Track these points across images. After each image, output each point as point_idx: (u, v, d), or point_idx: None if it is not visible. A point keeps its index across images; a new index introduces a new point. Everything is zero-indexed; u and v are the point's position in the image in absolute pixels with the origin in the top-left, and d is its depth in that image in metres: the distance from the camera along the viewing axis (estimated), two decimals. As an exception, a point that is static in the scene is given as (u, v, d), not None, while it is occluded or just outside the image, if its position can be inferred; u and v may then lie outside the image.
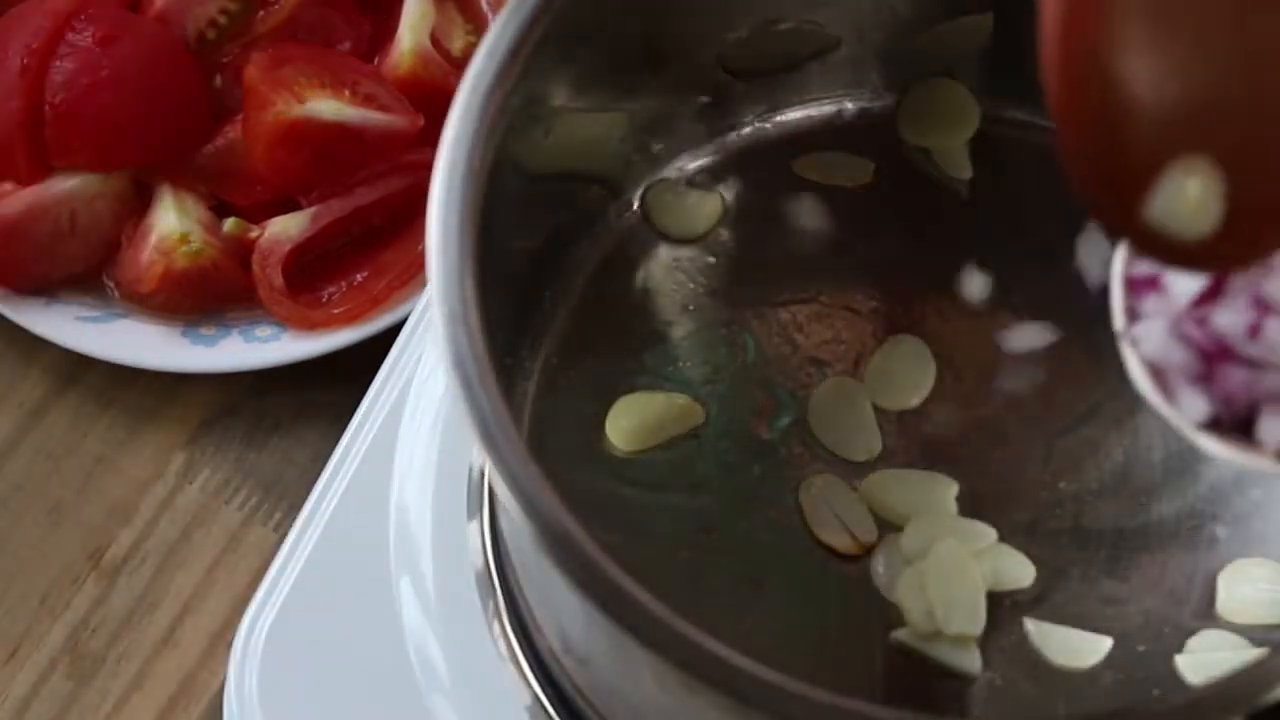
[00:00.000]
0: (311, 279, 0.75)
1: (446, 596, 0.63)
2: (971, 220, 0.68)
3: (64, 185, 0.74)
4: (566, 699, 0.60)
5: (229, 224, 0.75)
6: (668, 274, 0.68)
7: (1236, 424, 0.48)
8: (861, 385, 0.65)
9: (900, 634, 0.61)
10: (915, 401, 0.65)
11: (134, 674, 0.71)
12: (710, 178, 0.69)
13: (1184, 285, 0.48)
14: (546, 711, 0.60)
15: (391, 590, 0.64)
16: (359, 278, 0.75)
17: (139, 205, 0.76)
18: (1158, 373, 0.48)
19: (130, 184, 0.76)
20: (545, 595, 0.58)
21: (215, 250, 0.74)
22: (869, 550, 0.62)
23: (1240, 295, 0.46)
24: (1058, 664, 0.60)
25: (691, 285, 0.68)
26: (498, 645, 0.62)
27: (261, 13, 0.78)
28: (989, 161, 0.69)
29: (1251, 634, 0.60)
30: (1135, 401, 0.50)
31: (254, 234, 0.75)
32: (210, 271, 0.74)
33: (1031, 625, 0.61)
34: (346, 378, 0.72)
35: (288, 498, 0.74)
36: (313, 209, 0.75)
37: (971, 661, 0.60)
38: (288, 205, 0.75)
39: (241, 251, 0.75)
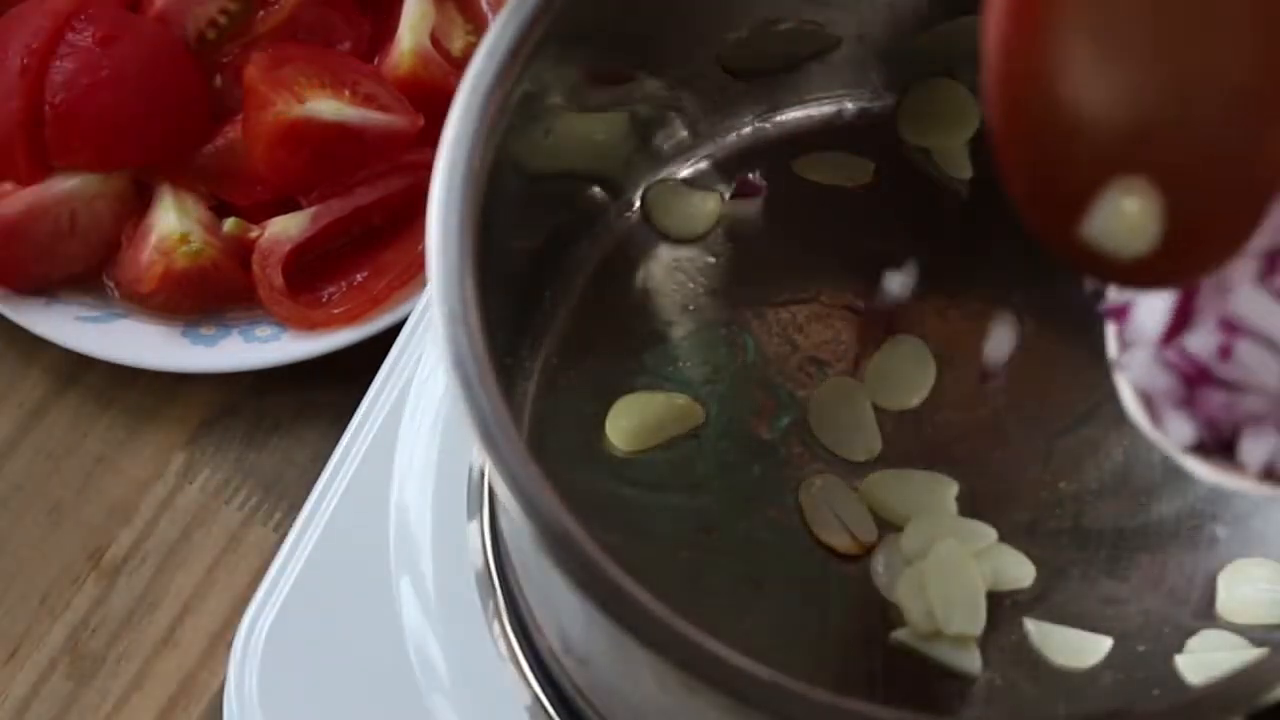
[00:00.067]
0: (311, 279, 0.75)
1: (446, 596, 0.63)
2: (971, 220, 0.68)
3: (64, 185, 0.74)
4: (566, 699, 0.60)
5: (229, 224, 0.75)
6: (668, 274, 0.68)
7: (1222, 446, 0.48)
8: (861, 385, 0.65)
9: (900, 634, 0.61)
10: (915, 401, 0.65)
11: (134, 674, 0.71)
12: (710, 178, 0.69)
13: (1147, 314, 0.48)
14: (546, 711, 0.60)
15: (391, 590, 0.64)
16: (359, 278, 0.75)
17: (139, 205, 0.76)
18: (1146, 398, 0.49)
19: (130, 184, 0.76)
20: (545, 595, 0.58)
21: (215, 250, 0.74)
22: (869, 550, 0.62)
23: (1208, 318, 0.47)
24: (1058, 664, 0.60)
25: (691, 285, 0.68)
26: (498, 645, 0.62)
27: (261, 13, 0.78)
28: (989, 161, 0.68)
29: (1251, 634, 0.60)
30: (1135, 401, 0.50)
31: (254, 234, 0.75)
32: (210, 271, 0.74)
33: (1031, 625, 0.61)
34: (346, 378, 0.72)
35: (288, 498, 0.74)
36: (313, 209, 0.75)
37: (971, 661, 0.60)
38: (288, 205, 0.75)
39: (241, 251, 0.75)
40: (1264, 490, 0.47)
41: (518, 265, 0.64)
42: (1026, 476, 0.63)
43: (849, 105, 0.71)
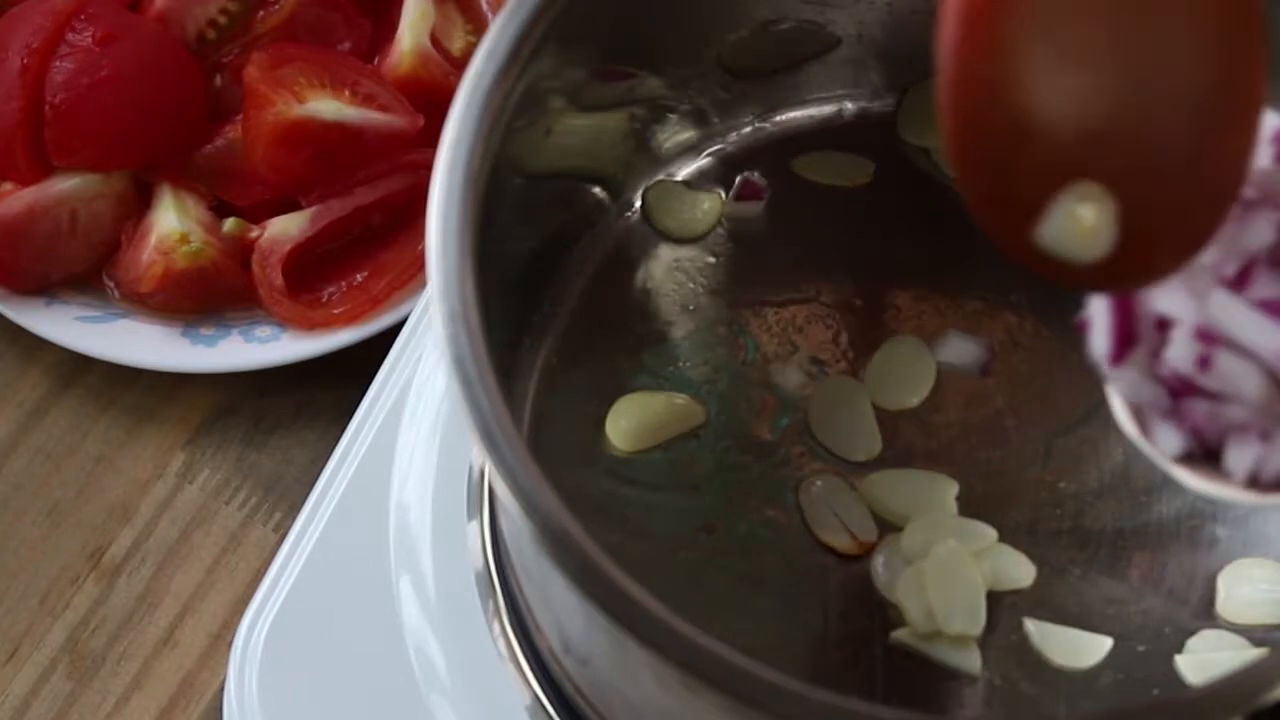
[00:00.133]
0: (311, 279, 0.75)
1: (446, 596, 0.63)
2: (971, 220, 0.68)
3: (64, 185, 0.74)
4: (566, 699, 0.60)
5: (229, 224, 0.75)
6: (668, 274, 0.68)
7: (1209, 455, 0.48)
8: (861, 385, 0.65)
9: (900, 634, 0.61)
10: (915, 401, 0.65)
11: (134, 674, 0.71)
12: (710, 178, 0.69)
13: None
14: (546, 711, 0.60)
15: (391, 590, 0.64)
16: (359, 278, 0.75)
17: (139, 205, 0.76)
18: (1135, 409, 0.49)
19: (130, 184, 0.76)
20: (545, 595, 0.58)
21: (215, 250, 0.74)
22: (869, 550, 0.62)
23: (1182, 329, 0.47)
24: (1058, 664, 0.60)
25: (691, 285, 0.68)
26: (498, 645, 0.62)
27: (261, 13, 0.78)
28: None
29: (1251, 634, 0.60)
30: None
31: (254, 234, 0.75)
32: (210, 271, 0.74)
33: (1031, 625, 0.61)
34: (346, 378, 0.72)
35: (288, 498, 0.74)
36: (313, 209, 0.75)
37: (971, 661, 0.60)
38: (288, 205, 0.75)
39: (241, 251, 0.75)
40: (1250, 498, 0.47)
41: (518, 265, 0.64)
42: (1026, 476, 0.63)
43: (849, 105, 0.71)
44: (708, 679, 0.47)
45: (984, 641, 0.60)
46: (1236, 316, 0.46)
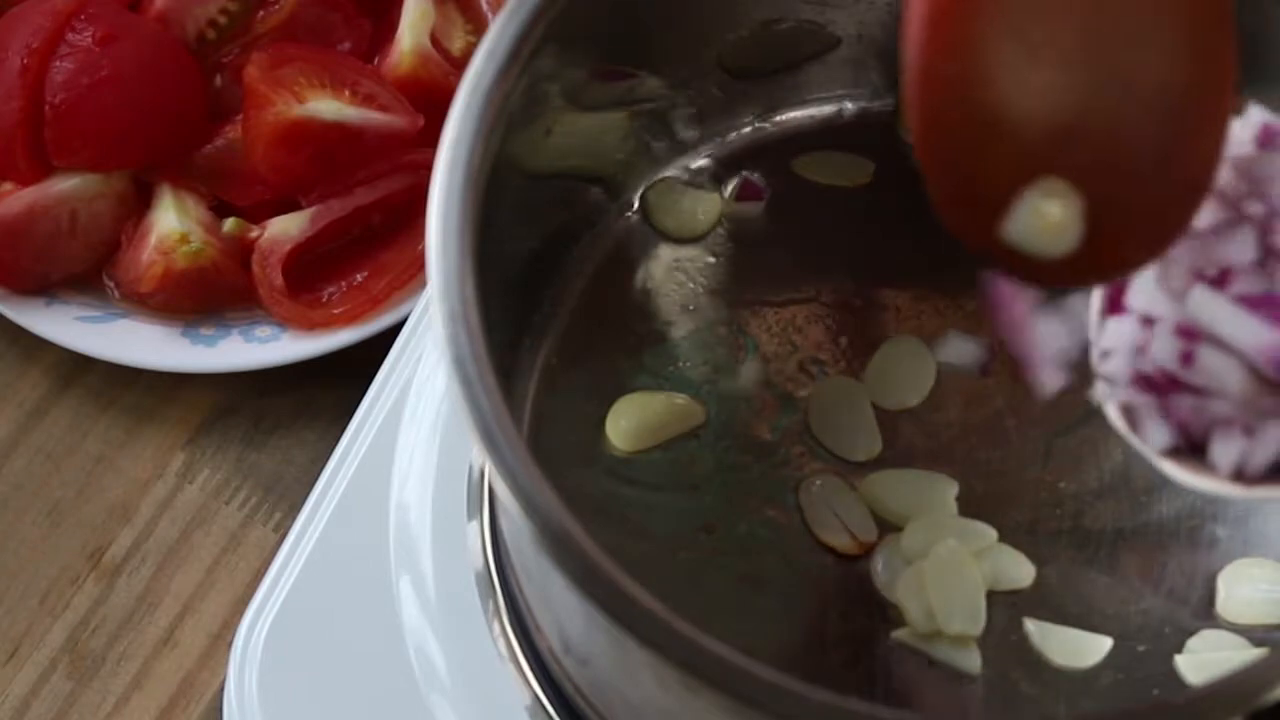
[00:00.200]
0: (311, 279, 0.75)
1: (446, 596, 0.63)
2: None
3: (64, 185, 0.74)
4: (566, 699, 0.60)
5: (229, 224, 0.75)
6: (668, 274, 0.68)
7: (1195, 450, 0.48)
8: (861, 385, 0.65)
9: (900, 634, 0.61)
10: (915, 401, 0.65)
11: (134, 674, 0.71)
12: (710, 178, 0.69)
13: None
14: (546, 711, 0.60)
15: (391, 590, 0.64)
16: (359, 278, 0.75)
17: (139, 205, 0.76)
18: (1124, 404, 0.49)
19: (130, 184, 0.76)
20: (545, 595, 0.58)
21: (215, 250, 0.74)
22: (869, 550, 0.62)
23: (1164, 326, 0.47)
24: (1058, 664, 0.60)
25: (691, 285, 0.68)
26: (498, 645, 0.62)
27: (261, 13, 0.78)
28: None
29: (1251, 634, 0.60)
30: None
31: (254, 234, 0.75)
32: (210, 271, 0.74)
33: (1031, 625, 0.61)
34: (346, 378, 0.72)
35: (288, 498, 0.74)
36: (313, 209, 0.75)
37: (971, 661, 0.60)
38: (288, 205, 0.75)
39: (241, 251, 0.75)
40: (1236, 491, 0.48)
41: (518, 265, 0.64)
42: (1026, 476, 0.63)
43: (849, 105, 0.71)
44: (708, 679, 0.47)
45: (984, 641, 0.60)
46: (1217, 312, 0.46)
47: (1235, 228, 0.47)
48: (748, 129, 0.70)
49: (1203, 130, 0.44)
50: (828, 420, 0.65)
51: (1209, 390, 0.47)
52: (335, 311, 0.74)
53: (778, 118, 0.70)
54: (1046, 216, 0.44)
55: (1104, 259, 0.45)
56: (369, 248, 0.76)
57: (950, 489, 0.63)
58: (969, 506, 0.63)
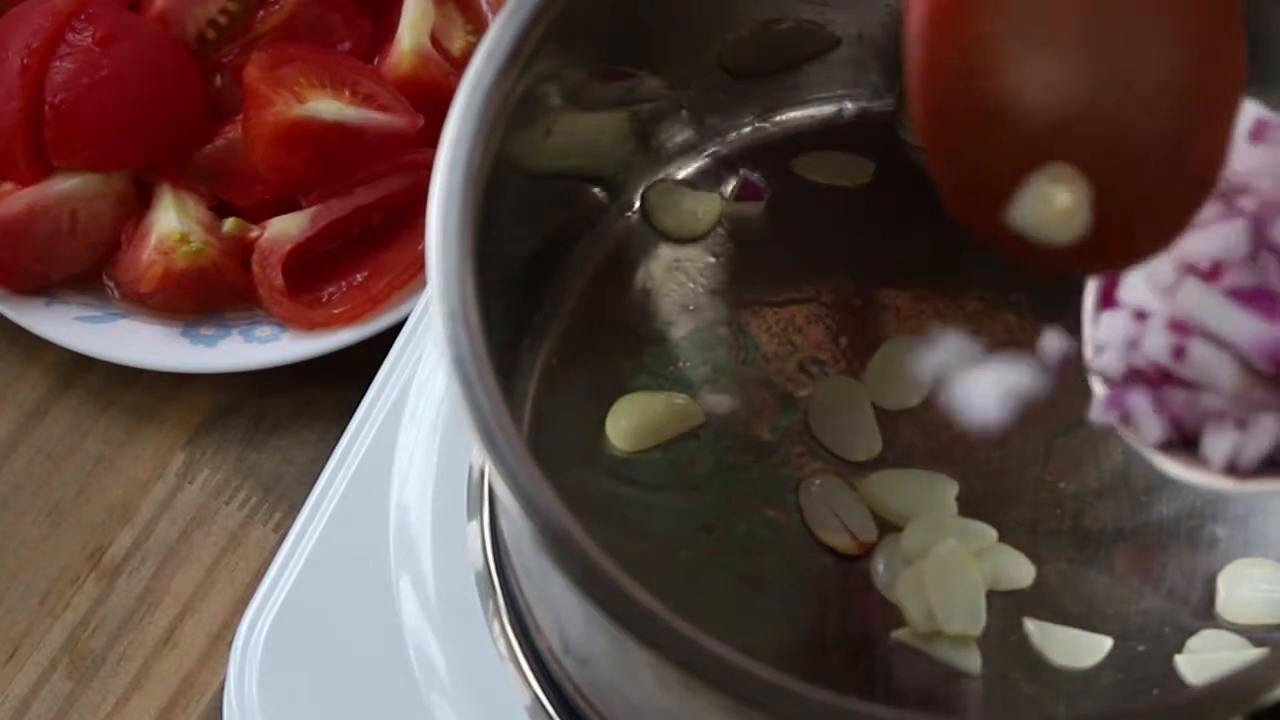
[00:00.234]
0: (311, 279, 0.75)
1: (446, 596, 0.63)
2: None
3: (64, 185, 0.74)
4: (566, 699, 0.60)
5: (229, 224, 0.75)
6: (668, 274, 0.68)
7: (1188, 444, 0.48)
8: (861, 385, 0.65)
9: (900, 634, 0.61)
10: (915, 401, 0.65)
11: (134, 674, 0.71)
12: (710, 178, 0.69)
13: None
14: (546, 711, 0.60)
15: (391, 590, 0.64)
16: (359, 278, 0.75)
17: (139, 205, 0.76)
18: (1117, 399, 0.49)
19: (130, 184, 0.76)
20: (545, 595, 0.58)
21: (215, 250, 0.74)
22: (869, 550, 0.62)
23: (1156, 320, 0.47)
24: (1058, 664, 0.60)
25: (691, 285, 0.68)
26: (498, 645, 0.62)
27: (261, 13, 0.78)
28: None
29: (1251, 634, 0.60)
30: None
31: (254, 234, 0.75)
32: (210, 271, 0.74)
33: (1031, 625, 0.61)
34: (346, 378, 0.72)
35: (288, 498, 0.74)
36: (313, 209, 0.75)
37: (971, 661, 0.60)
38: (288, 205, 0.75)
39: (241, 251, 0.75)
40: (1229, 485, 0.48)
41: (518, 265, 0.64)
42: (1026, 476, 0.63)
43: (849, 105, 0.71)
44: (708, 679, 0.47)
45: (984, 641, 0.60)
46: (1208, 306, 0.46)
47: (1226, 221, 0.47)
48: (748, 129, 0.70)
49: (1210, 124, 0.44)
50: (828, 420, 0.65)
51: (1201, 384, 0.47)
52: (335, 311, 0.74)
53: (778, 118, 0.70)
54: (1053, 202, 0.43)
55: (1111, 248, 0.45)
56: (369, 248, 0.76)
57: (950, 489, 0.63)
58: (969, 506, 0.63)
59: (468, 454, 0.64)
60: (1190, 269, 0.47)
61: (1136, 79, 0.42)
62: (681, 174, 0.69)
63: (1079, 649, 0.60)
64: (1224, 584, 0.61)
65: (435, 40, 0.78)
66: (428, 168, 0.53)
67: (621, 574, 0.48)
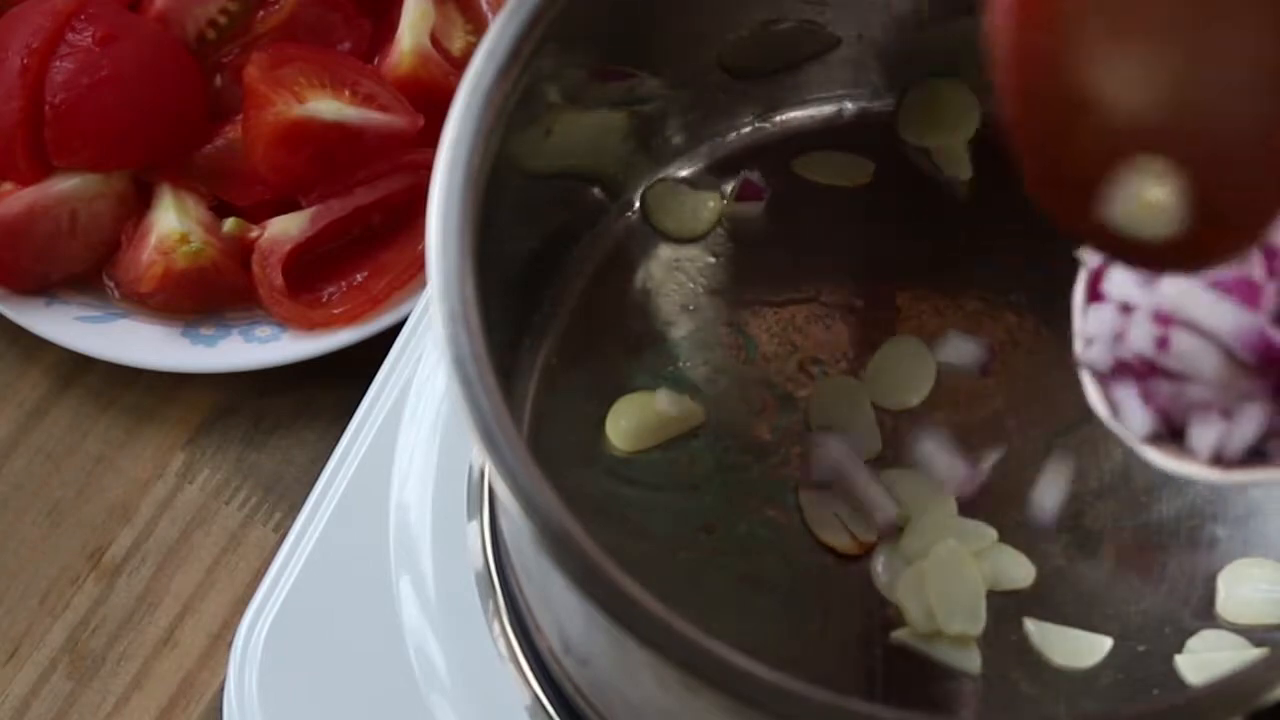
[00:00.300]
0: (311, 279, 0.75)
1: (446, 596, 0.63)
2: (971, 220, 0.68)
3: (64, 185, 0.74)
4: (566, 699, 0.60)
5: (229, 224, 0.75)
6: (668, 274, 0.68)
7: (1176, 435, 0.48)
8: (861, 385, 0.65)
9: (900, 634, 0.61)
10: (915, 401, 0.65)
11: (134, 674, 0.71)
12: (710, 178, 0.69)
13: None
14: (546, 711, 0.60)
15: (391, 590, 0.64)
16: (359, 278, 0.75)
17: (139, 205, 0.76)
18: (1106, 392, 0.49)
19: (130, 184, 0.76)
20: (545, 595, 0.58)
21: (215, 250, 0.74)
22: (869, 550, 0.62)
23: (1141, 312, 0.47)
24: (1058, 664, 0.60)
25: (691, 285, 0.68)
26: (498, 645, 0.62)
27: (261, 13, 0.78)
28: (989, 161, 0.69)
29: (1251, 634, 0.60)
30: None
31: (254, 234, 0.75)
32: (210, 271, 0.74)
33: (1031, 625, 0.61)
34: (346, 378, 0.72)
35: (288, 498, 0.74)
36: (313, 209, 0.75)
37: (971, 661, 0.60)
38: (288, 205, 0.75)
39: (241, 251, 0.75)
40: (1216, 476, 0.48)
41: (518, 265, 0.64)
42: (1026, 476, 0.63)
43: (849, 105, 0.71)
44: (708, 679, 0.47)
45: (984, 641, 0.60)
46: (1190, 297, 0.46)
47: None
48: (748, 129, 0.70)
49: None
50: (828, 420, 0.65)
51: (1186, 375, 0.47)
52: (335, 311, 0.74)
53: (778, 118, 0.70)
54: (1147, 196, 0.42)
55: (1206, 241, 0.43)
56: (369, 248, 0.76)
57: (950, 489, 0.63)
58: (969, 506, 0.63)
59: (468, 454, 0.64)
60: None
61: (1228, 65, 0.41)
62: (681, 174, 0.69)
63: (1079, 649, 0.60)
64: (1224, 584, 0.61)
65: (435, 40, 0.78)
66: (428, 168, 0.53)
67: (621, 574, 0.48)
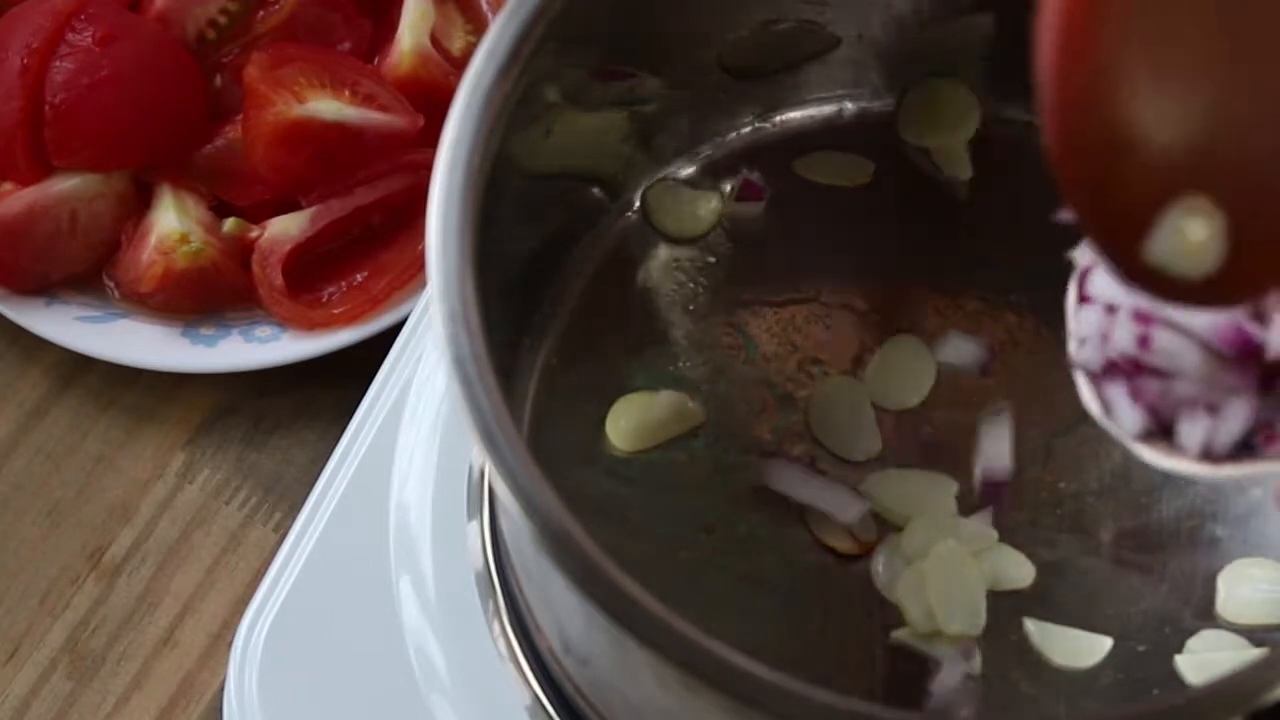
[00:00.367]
0: (311, 279, 0.75)
1: (446, 596, 0.63)
2: (971, 220, 0.68)
3: (64, 185, 0.74)
4: (566, 699, 0.60)
5: (229, 224, 0.75)
6: (668, 274, 0.68)
7: (1167, 432, 0.48)
8: (861, 385, 0.65)
9: (900, 634, 0.61)
10: (915, 401, 0.65)
11: (134, 674, 0.71)
12: (710, 178, 0.69)
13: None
14: (546, 711, 0.60)
15: (391, 590, 0.64)
16: (359, 278, 0.75)
17: (139, 205, 0.76)
18: (1097, 390, 0.49)
19: (130, 184, 0.76)
20: (545, 595, 0.58)
21: (215, 250, 0.74)
22: (869, 550, 0.62)
23: (1123, 312, 0.47)
24: (1058, 664, 0.60)
25: (691, 285, 0.68)
26: (498, 645, 0.62)
27: (261, 13, 0.78)
28: (989, 161, 0.69)
29: (1251, 634, 0.60)
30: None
31: (254, 234, 0.75)
32: (210, 271, 0.74)
33: (1031, 625, 0.61)
34: (346, 378, 0.72)
35: (288, 498, 0.74)
36: (313, 209, 0.75)
37: (971, 662, 0.60)
38: (288, 205, 0.75)
39: (241, 251, 0.75)
40: (1207, 471, 0.48)
41: (518, 265, 0.64)
42: (1026, 476, 0.63)
43: (849, 105, 0.71)
44: (708, 679, 0.47)
45: (984, 641, 0.60)
46: None
47: None
48: (748, 129, 0.70)
49: None
50: (828, 420, 0.65)
51: (1170, 372, 0.47)
52: (335, 311, 0.74)
53: (778, 118, 0.70)
54: (1189, 236, 0.42)
55: (1244, 277, 0.44)
56: (369, 248, 0.76)
57: (950, 489, 0.63)
58: (969, 506, 0.63)
59: (468, 454, 0.64)
60: None
61: (1268, 102, 0.41)
62: (681, 174, 0.69)
63: (1079, 649, 0.60)
64: (1224, 584, 0.61)
65: (435, 40, 0.78)
66: (428, 168, 0.53)
67: (621, 574, 0.48)
